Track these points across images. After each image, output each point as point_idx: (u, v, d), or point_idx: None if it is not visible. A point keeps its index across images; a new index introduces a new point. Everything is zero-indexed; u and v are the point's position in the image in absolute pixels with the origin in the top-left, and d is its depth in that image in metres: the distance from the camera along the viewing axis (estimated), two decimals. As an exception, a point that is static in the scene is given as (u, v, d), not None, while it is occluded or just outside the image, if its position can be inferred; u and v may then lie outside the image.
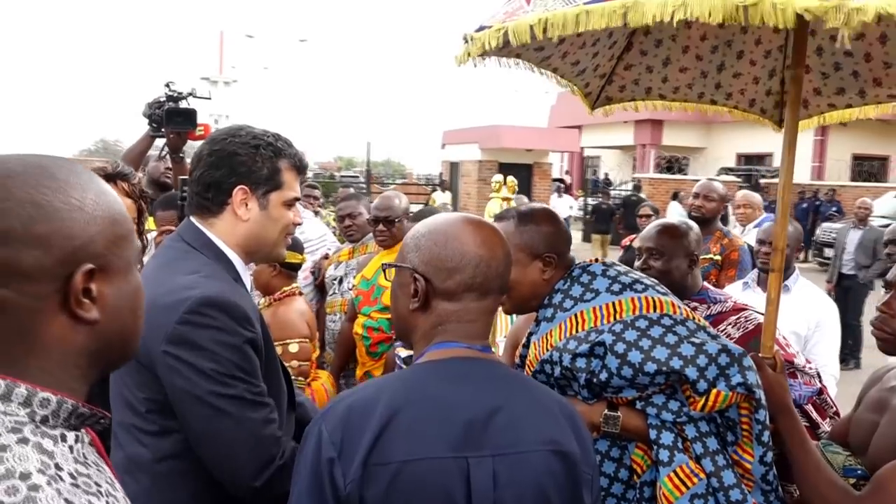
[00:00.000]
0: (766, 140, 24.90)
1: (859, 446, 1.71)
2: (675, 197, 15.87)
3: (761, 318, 2.07)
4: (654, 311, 1.69)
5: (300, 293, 3.61)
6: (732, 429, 1.61)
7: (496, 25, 1.62)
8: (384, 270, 1.41)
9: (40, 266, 0.79)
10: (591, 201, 22.47)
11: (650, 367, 1.58)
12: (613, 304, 1.72)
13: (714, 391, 1.55)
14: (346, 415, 1.16)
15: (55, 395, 0.80)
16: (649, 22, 1.36)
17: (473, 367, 1.23)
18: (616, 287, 1.76)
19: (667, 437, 1.59)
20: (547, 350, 1.76)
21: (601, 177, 28.25)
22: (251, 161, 1.56)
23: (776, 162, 25.03)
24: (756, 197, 5.77)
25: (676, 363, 1.56)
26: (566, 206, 17.69)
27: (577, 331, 1.72)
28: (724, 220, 5.57)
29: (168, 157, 3.03)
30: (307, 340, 3.13)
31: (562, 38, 1.63)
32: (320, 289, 4.16)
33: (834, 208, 17.51)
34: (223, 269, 1.56)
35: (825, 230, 14.86)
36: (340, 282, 3.87)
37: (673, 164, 25.36)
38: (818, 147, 24.64)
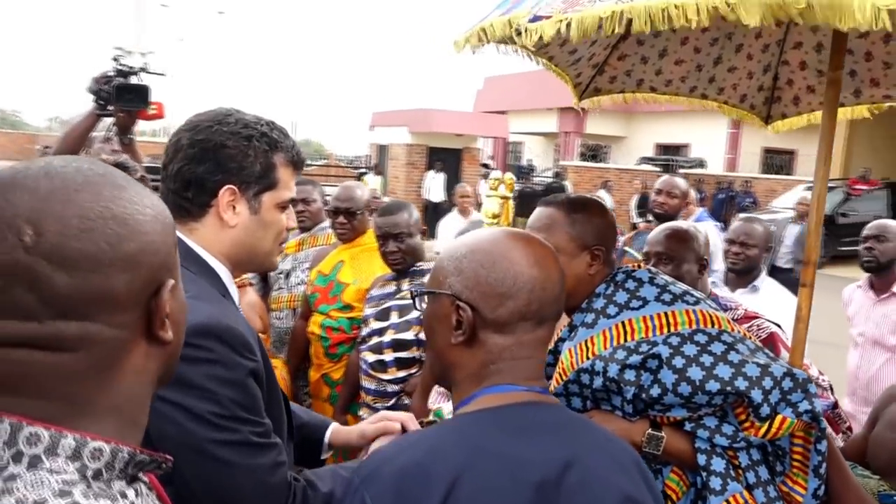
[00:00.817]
0: (684, 131, 25.70)
1: (883, 468, 1.64)
2: (604, 186, 16.11)
3: (774, 328, 1.97)
4: (712, 326, 1.57)
5: (251, 284, 3.34)
6: (782, 458, 1.50)
7: (556, 16, 1.41)
8: (414, 297, 1.19)
9: (131, 290, 0.69)
10: (516, 187, 22.67)
11: (712, 385, 1.45)
12: (666, 314, 1.59)
13: (779, 417, 1.43)
14: (397, 482, 0.96)
15: (108, 443, 0.69)
16: (755, 22, 1.18)
17: (537, 414, 1.06)
18: (667, 297, 1.62)
19: (718, 464, 1.46)
20: (587, 358, 1.61)
21: (525, 163, 28.50)
22: (242, 155, 1.30)
23: (693, 152, 25.87)
24: (683, 183, 5.39)
25: (742, 384, 1.43)
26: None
27: (624, 340, 1.58)
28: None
29: (116, 138, 2.70)
30: (260, 334, 2.87)
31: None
32: (264, 280, 3.88)
33: (749, 199, 18.17)
34: (210, 286, 1.30)
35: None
36: (287, 276, 3.60)
37: (595, 152, 25.78)
38: (732, 140, 25.55)
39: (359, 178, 18.85)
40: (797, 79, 2.53)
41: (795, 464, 1.49)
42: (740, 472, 1.47)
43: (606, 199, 6.33)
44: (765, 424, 1.44)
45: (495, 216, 1.99)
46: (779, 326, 2.23)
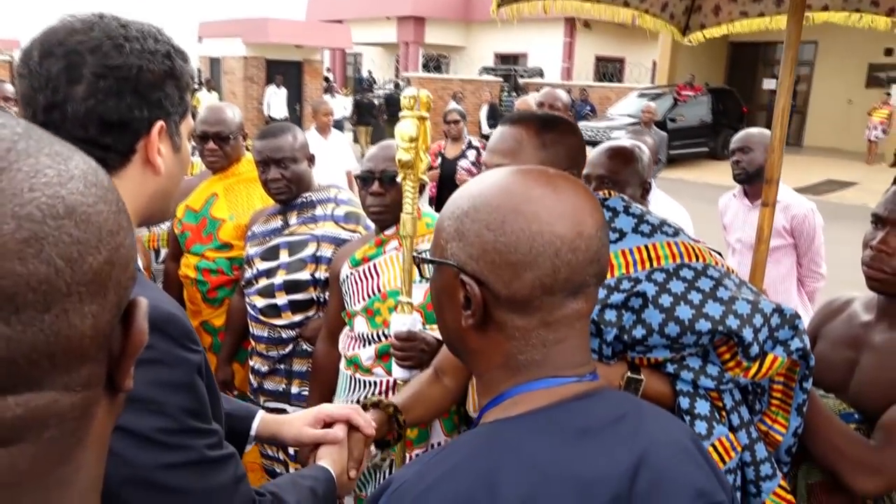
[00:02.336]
0: (522, 40, 25.97)
1: (833, 387, 1.63)
2: (454, 97, 16.00)
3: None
4: (697, 259, 1.45)
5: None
6: (760, 397, 1.44)
7: None
8: (418, 265, 0.93)
9: (98, 328, 0.46)
10: (359, 100, 22.03)
11: (702, 325, 1.33)
12: (647, 247, 1.45)
13: (770, 356, 1.35)
14: None
15: None
16: None
17: (592, 410, 0.84)
18: (645, 228, 1.48)
19: (703, 407, 1.37)
20: None
21: (365, 75, 27.71)
22: (163, 80, 0.98)
23: (531, 62, 26.29)
24: (565, 95, 5.65)
25: (733, 322, 1.33)
26: (340, 107, 17.02)
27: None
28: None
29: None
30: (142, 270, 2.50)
31: None
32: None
33: (588, 107, 18.78)
34: None
35: (585, 129, 15.92)
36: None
37: (437, 62, 25.46)
38: (567, 48, 26.18)
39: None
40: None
41: (774, 402, 1.44)
42: (724, 413, 1.40)
43: (458, 109, 6.20)
44: (754, 364, 1.36)
45: (412, 139, 1.76)
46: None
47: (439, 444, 2.14)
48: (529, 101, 5.67)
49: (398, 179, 1.90)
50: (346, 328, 2.25)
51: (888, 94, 16.73)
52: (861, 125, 17.32)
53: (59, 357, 0.43)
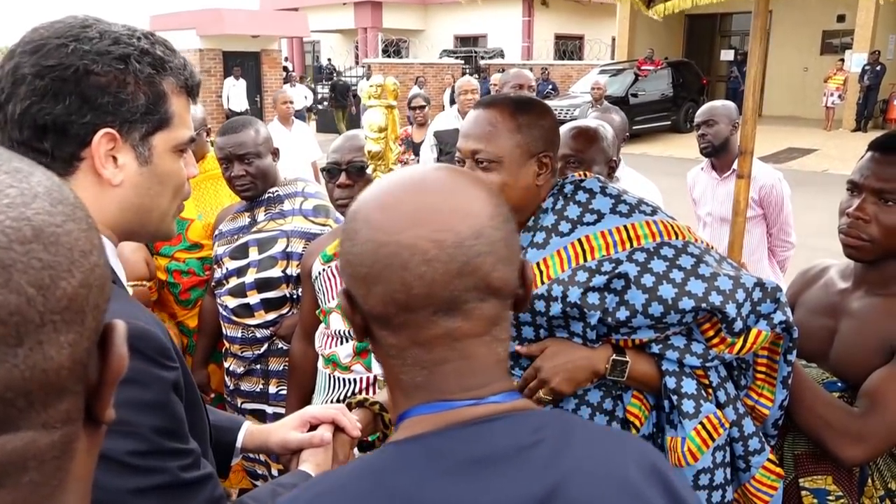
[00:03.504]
0: (481, 20, 25.85)
1: (814, 355, 1.63)
2: (416, 82, 15.94)
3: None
4: (677, 237, 1.43)
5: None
6: (745, 371, 1.44)
7: None
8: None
9: (76, 358, 0.42)
10: (320, 89, 21.76)
11: (686, 303, 1.32)
12: (626, 227, 1.43)
13: (754, 331, 1.34)
14: None
15: None
16: None
17: (490, 436, 0.72)
18: (623, 208, 1.46)
19: (689, 385, 1.36)
20: (541, 283, 1.43)
21: (324, 62, 27.36)
22: (118, 84, 0.92)
23: (490, 42, 26.19)
24: (476, 82, 5.92)
25: (716, 299, 1.32)
26: (301, 97, 16.78)
27: (584, 259, 1.41)
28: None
29: None
30: (145, 283, 2.46)
31: None
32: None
33: (549, 86, 18.78)
34: None
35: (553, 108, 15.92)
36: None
37: (397, 47, 25.24)
38: (526, 27, 26.13)
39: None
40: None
41: (759, 376, 1.44)
42: (711, 391, 1.39)
43: (422, 94, 6.18)
44: (739, 340, 1.35)
45: (381, 129, 1.70)
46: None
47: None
48: (472, 82, 5.73)
49: (368, 171, 1.85)
50: (322, 326, 2.20)
51: (842, 61, 16.99)
52: (818, 92, 17.59)
53: (35, 393, 0.40)
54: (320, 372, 2.19)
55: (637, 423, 1.44)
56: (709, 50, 21.29)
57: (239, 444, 1.31)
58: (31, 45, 0.90)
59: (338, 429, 1.34)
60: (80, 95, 0.90)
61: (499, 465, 0.70)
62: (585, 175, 1.58)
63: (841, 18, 18.64)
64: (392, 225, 0.72)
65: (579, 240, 1.45)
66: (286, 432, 1.32)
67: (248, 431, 1.33)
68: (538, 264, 1.47)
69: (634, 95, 16.43)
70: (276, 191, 2.53)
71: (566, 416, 0.81)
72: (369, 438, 1.50)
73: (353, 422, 1.36)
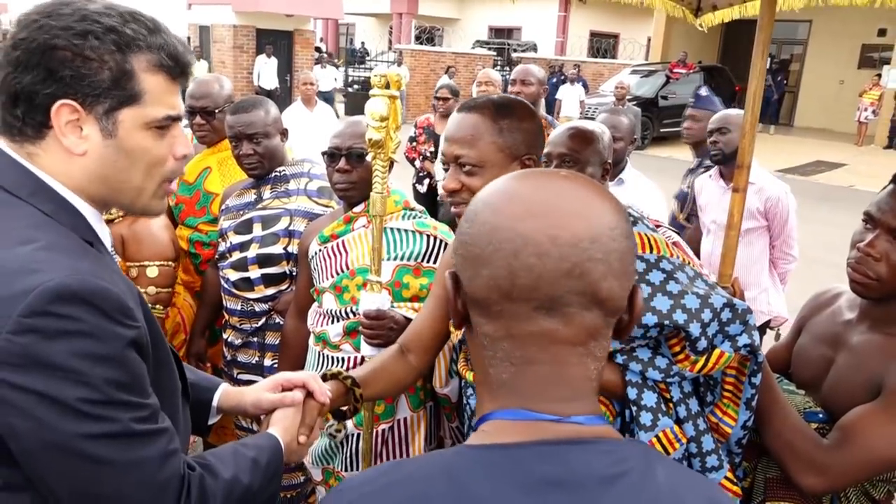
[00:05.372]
0: (516, 13, 25.71)
1: (808, 383, 1.62)
2: (447, 72, 15.94)
3: (676, 237, 1.94)
4: (651, 251, 1.44)
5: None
6: (712, 389, 1.45)
7: None
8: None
9: None
10: (351, 72, 21.81)
11: (649, 318, 1.34)
12: None
13: (717, 352, 1.36)
14: None
15: None
16: None
17: (572, 460, 0.71)
18: None
19: (650, 398, 1.39)
20: None
21: (357, 46, 27.41)
22: (79, 59, 0.98)
23: (524, 35, 26.06)
24: (497, 75, 5.84)
25: (680, 317, 1.33)
26: (331, 78, 16.87)
27: None
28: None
29: None
30: (170, 263, 2.51)
31: None
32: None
33: (580, 83, 18.66)
34: (70, 230, 1.01)
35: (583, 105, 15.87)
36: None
37: (430, 34, 25.22)
38: (561, 22, 25.96)
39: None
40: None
41: (726, 394, 1.44)
42: (671, 405, 1.41)
43: (450, 86, 6.17)
44: (701, 359, 1.36)
45: (383, 119, 1.72)
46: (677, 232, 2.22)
47: (405, 419, 2.18)
48: (491, 74, 5.72)
49: (368, 158, 1.90)
50: (315, 304, 2.27)
51: (879, 76, 16.71)
52: (852, 106, 17.33)
53: None
54: (311, 349, 2.26)
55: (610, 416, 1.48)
56: (745, 57, 20.92)
57: (215, 403, 1.38)
58: (18, 19, 1.00)
59: (309, 395, 1.41)
60: (45, 68, 0.97)
61: (575, 493, 0.69)
62: None
63: (882, 32, 18.32)
64: (512, 212, 0.73)
65: None
66: (260, 393, 1.39)
67: (225, 392, 1.40)
68: None
69: (664, 98, 16.30)
70: (283, 170, 2.61)
71: (647, 450, 0.78)
72: (342, 409, 1.56)
73: (322, 389, 1.43)
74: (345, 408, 1.57)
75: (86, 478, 0.92)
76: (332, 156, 2.17)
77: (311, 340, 2.25)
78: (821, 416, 1.53)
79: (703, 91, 4.06)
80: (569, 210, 0.73)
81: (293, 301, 2.45)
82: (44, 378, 0.88)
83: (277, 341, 2.57)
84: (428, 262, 2.15)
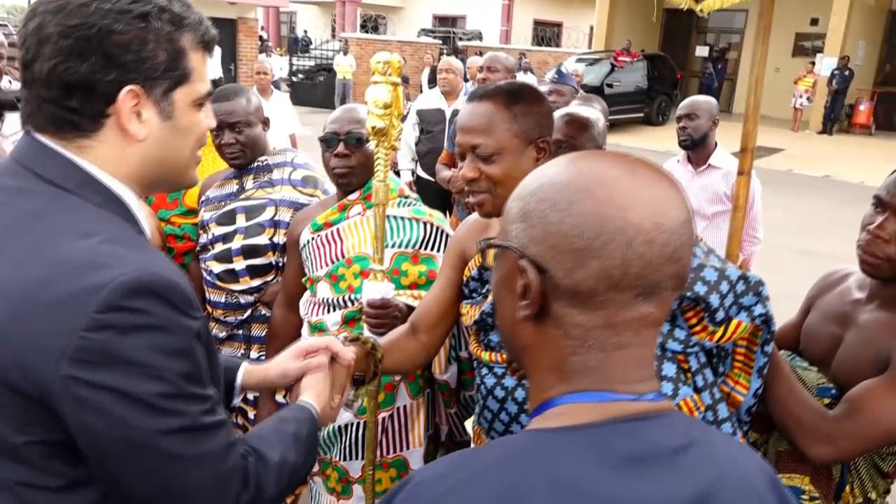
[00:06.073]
0: (461, 2, 25.75)
1: (818, 360, 1.67)
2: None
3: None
4: None
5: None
6: (724, 359, 1.50)
7: None
8: (481, 251, 0.90)
9: None
10: (295, 61, 21.48)
11: None
12: None
13: (735, 321, 1.40)
14: None
15: None
16: None
17: (648, 435, 0.73)
18: None
19: (669, 369, 1.42)
20: None
21: (300, 34, 27.00)
22: (139, 42, 0.95)
23: (469, 24, 26.11)
24: (458, 63, 5.88)
25: (701, 289, 1.37)
26: (277, 68, 16.57)
27: None
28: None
29: None
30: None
31: None
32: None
33: (530, 72, 18.79)
34: (122, 221, 0.99)
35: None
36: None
37: (375, 23, 25.00)
38: (506, 11, 26.08)
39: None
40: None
41: (737, 364, 1.49)
42: (690, 375, 1.45)
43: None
44: (719, 329, 1.40)
45: (386, 106, 1.70)
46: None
47: (405, 407, 2.17)
48: (452, 62, 5.73)
49: (371, 146, 1.88)
50: (308, 294, 2.24)
51: (812, 63, 17.32)
52: (787, 93, 17.91)
53: None
54: (304, 339, 2.23)
55: None
56: (684, 45, 21.49)
57: (238, 382, 1.37)
58: (54, 5, 0.94)
59: (332, 358, 1.41)
60: (104, 54, 0.93)
61: (654, 465, 0.70)
62: None
63: (814, 22, 18.97)
64: (619, 200, 0.71)
65: None
66: (285, 363, 1.39)
67: (247, 370, 1.39)
68: None
69: (610, 86, 16.55)
70: (266, 160, 2.56)
71: (700, 421, 0.82)
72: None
73: (346, 350, 1.44)
74: (361, 374, 1.59)
75: (158, 473, 0.91)
76: (328, 141, 2.14)
77: (306, 330, 2.23)
78: (833, 391, 1.58)
79: (563, 69, 4.56)
80: (663, 196, 0.74)
81: (281, 291, 2.41)
82: (121, 375, 0.86)
83: (264, 333, 2.52)
84: (425, 249, 2.14)
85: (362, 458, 2.12)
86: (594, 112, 2.20)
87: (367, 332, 1.92)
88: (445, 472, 0.73)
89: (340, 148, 2.12)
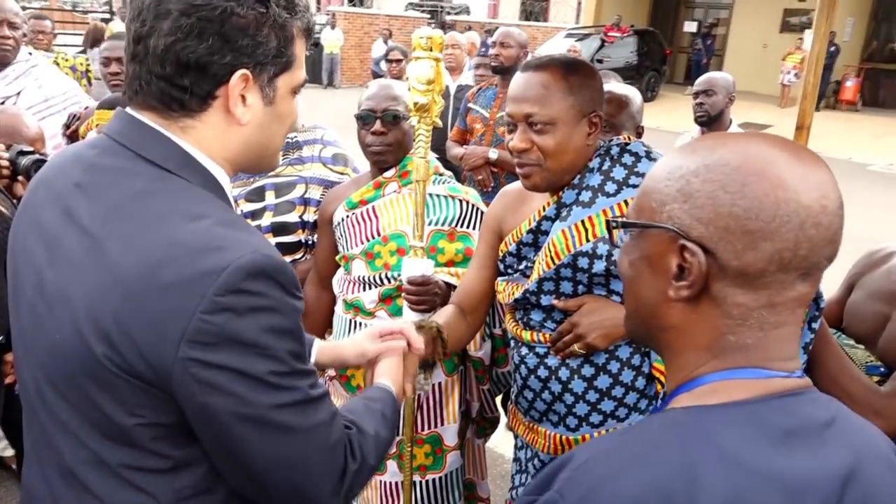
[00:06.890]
0: (448, -25, 25.38)
1: (863, 338, 1.68)
2: (385, 35, 15.70)
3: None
4: None
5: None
6: None
7: None
8: (610, 230, 0.86)
9: None
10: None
11: None
12: None
13: None
14: None
15: None
16: None
17: (798, 410, 0.75)
18: None
19: None
20: (586, 241, 1.51)
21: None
22: (256, 27, 0.95)
23: (457, -2, 25.80)
24: (463, 38, 5.82)
25: None
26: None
27: None
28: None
29: None
30: None
31: None
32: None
33: (486, 49, 18.66)
34: (225, 204, 1.00)
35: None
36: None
37: (361, -4, 24.64)
38: (493, -15, 25.81)
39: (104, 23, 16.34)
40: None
41: None
42: None
43: (400, 48, 6.11)
44: None
45: (430, 82, 1.67)
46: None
47: (440, 384, 2.19)
48: (457, 36, 5.68)
49: (413, 122, 1.88)
50: (342, 271, 2.24)
51: (801, 39, 17.35)
52: (775, 69, 17.96)
53: None
54: (340, 317, 2.23)
55: (662, 378, 1.54)
56: (672, 20, 21.44)
57: (312, 359, 1.39)
58: None
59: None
60: (222, 36, 0.93)
61: (807, 440, 0.73)
62: (629, 139, 1.64)
63: (802, -3, 18.98)
64: (791, 183, 0.73)
65: (626, 201, 1.53)
66: (363, 344, 1.41)
67: (320, 348, 1.41)
68: (583, 222, 1.55)
69: (600, 62, 16.48)
70: (295, 136, 2.54)
71: (837, 402, 0.82)
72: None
73: (419, 338, 1.47)
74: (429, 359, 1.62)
75: (276, 446, 0.93)
76: (365, 119, 2.13)
77: (340, 308, 2.23)
78: (882, 369, 1.60)
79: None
80: (825, 178, 0.75)
81: (313, 269, 2.41)
82: (239, 355, 0.88)
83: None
84: (461, 226, 2.15)
85: (398, 434, 2.15)
86: (632, 90, 2.20)
87: (431, 318, 1.94)
88: (610, 450, 0.75)
89: (377, 125, 2.11)
